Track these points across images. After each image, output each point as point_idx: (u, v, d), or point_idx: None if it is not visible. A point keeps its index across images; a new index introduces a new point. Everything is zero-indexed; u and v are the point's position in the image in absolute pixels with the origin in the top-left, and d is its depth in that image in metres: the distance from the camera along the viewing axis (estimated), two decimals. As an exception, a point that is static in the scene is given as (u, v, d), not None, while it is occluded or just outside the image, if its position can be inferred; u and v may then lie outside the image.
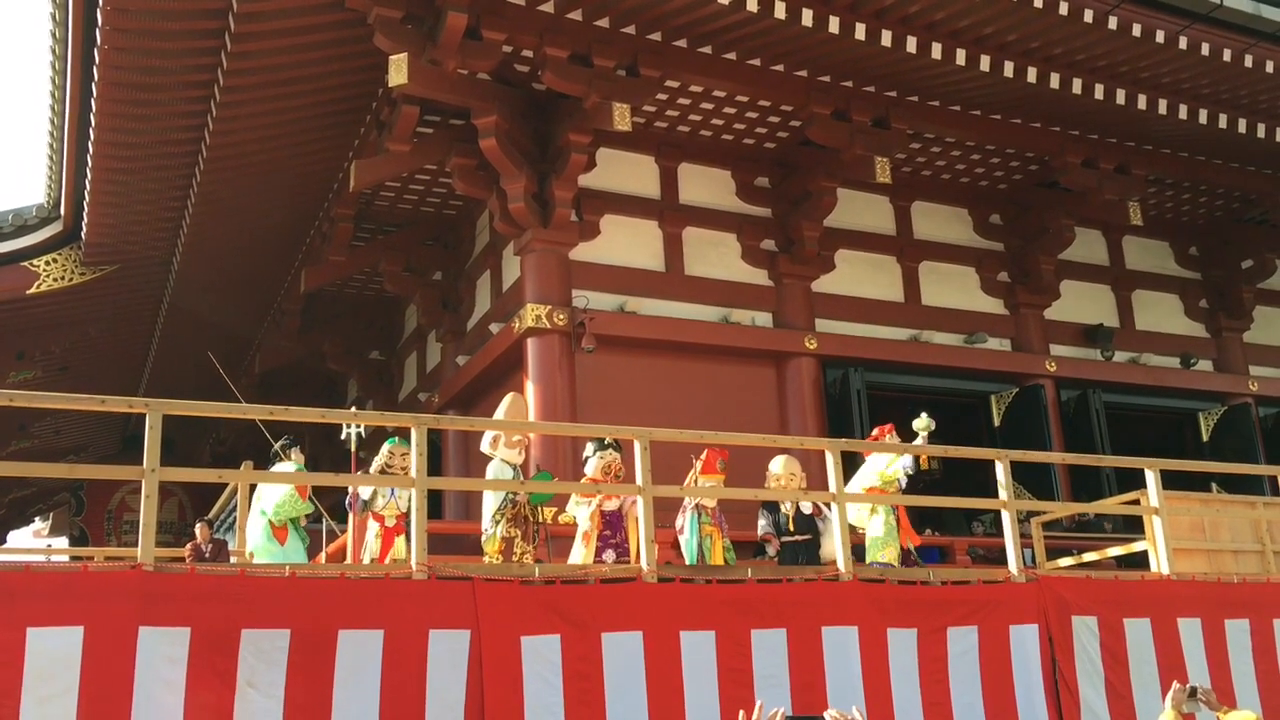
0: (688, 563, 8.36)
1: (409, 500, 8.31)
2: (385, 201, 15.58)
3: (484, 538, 8.22)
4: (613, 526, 8.40)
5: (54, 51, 12.30)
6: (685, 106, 13.70)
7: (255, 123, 12.75)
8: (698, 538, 8.41)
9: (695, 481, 8.55)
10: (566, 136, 12.61)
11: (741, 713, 2.52)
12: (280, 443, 10.08)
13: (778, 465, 9.05)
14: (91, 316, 17.38)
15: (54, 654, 5.61)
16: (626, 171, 14.18)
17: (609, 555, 8.22)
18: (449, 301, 16.43)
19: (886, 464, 9.22)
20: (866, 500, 9.21)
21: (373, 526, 8.51)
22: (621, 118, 11.90)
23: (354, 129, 13.61)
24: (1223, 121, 13.42)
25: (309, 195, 15.15)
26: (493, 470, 8.39)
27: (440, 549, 8.33)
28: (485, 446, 8.51)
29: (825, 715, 2.52)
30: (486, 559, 8.07)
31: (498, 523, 8.10)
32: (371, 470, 8.72)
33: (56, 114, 13.38)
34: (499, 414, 8.76)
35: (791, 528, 9.03)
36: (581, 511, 8.52)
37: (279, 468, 9.84)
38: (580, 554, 8.35)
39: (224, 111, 12.12)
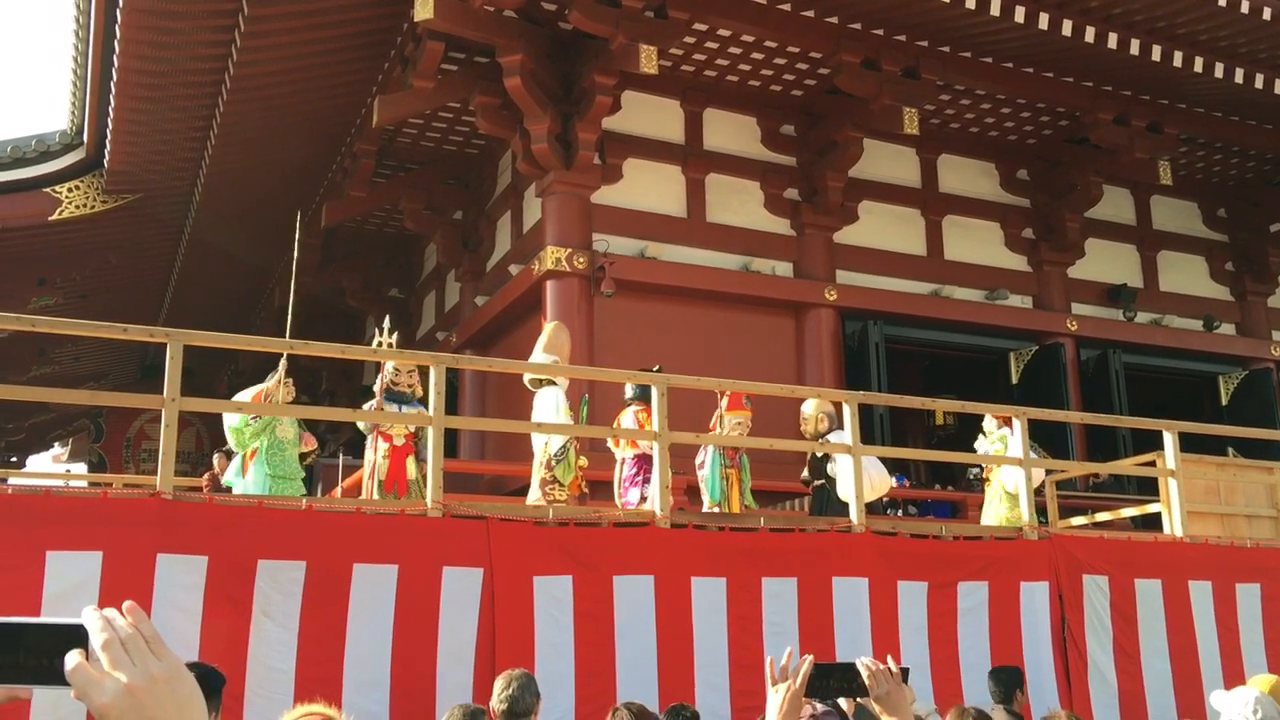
0: (709, 499, 8.40)
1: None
2: (407, 139, 15.51)
3: (558, 466, 8.21)
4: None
5: (79, -24, 12.22)
6: (712, 50, 13.53)
7: (279, 54, 12.66)
8: (719, 475, 8.44)
9: (721, 418, 8.56)
10: (591, 78, 12.49)
11: (769, 659, 2.49)
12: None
13: (807, 407, 9.19)
14: (113, 245, 17.41)
15: (72, 578, 5.65)
16: (651, 115, 14.05)
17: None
18: (469, 241, 16.39)
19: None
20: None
21: (380, 446, 8.39)
22: (648, 60, 11.77)
23: (378, 64, 13.50)
24: (1259, 81, 13.19)
25: (331, 129, 15.08)
26: (554, 396, 8.38)
27: (455, 488, 8.36)
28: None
29: (857, 663, 2.48)
30: (561, 490, 8.10)
31: (567, 450, 8.14)
32: (376, 388, 8.57)
33: (81, 40, 13.31)
34: (541, 341, 8.78)
35: (807, 473, 9.16)
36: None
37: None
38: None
39: (248, 42, 12.04)
